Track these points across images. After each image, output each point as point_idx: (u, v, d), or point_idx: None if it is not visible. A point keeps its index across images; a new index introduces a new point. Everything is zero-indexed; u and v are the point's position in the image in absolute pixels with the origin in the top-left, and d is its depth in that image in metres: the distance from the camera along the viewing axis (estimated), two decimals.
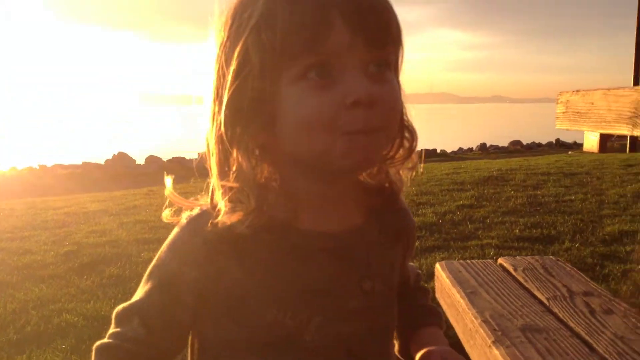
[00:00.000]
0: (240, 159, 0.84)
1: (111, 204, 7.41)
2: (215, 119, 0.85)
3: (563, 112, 2.09)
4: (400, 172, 0.96)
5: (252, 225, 0.83)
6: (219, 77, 0.86)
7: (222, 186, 0.85)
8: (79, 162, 16.23)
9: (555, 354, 1.36)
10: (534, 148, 20.93)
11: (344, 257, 0.91)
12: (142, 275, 3.22)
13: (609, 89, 1.79)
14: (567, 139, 22.65)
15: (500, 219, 5.52)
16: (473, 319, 1.57)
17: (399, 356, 1.08)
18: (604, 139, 15.66)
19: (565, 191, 7.09)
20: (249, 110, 0.83)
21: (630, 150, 14.27)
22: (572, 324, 1.54)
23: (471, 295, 1.74)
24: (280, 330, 0.87)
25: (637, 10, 14.68)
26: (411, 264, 1.14)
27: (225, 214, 0.84)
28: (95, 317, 3.35)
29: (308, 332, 0.88)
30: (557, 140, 22.75)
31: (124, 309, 0.94)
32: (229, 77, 0.83)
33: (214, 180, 0.87)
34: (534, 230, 5.12)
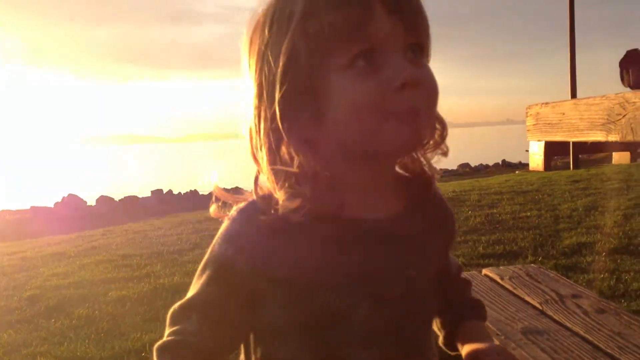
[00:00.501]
0: (292, 150, 0.87)
1: (68, 247, 7.22)
2: (261, 116, 0.89)
3: (534, 125, 2.19)
4: (431, 161, 1.00)
5: (308, 214, 0.86)
6: (264, 75, 0.89)
7: (274, 172, 0.88)
8: (27, 207, 15.75)
9: (560, 352, 1.41)
10: (482, 170, 21.44)
11: (390, 242, 0.94)
12: (113, 315, 3.19)
13: (579, 99, 1.89)
14: (513, 159, 23.35)
15: (462, 238, 5.63)
16: None
17: (443, 347, 1.10)
18: (549, 158, 16.22)
19: (520, 208, 7.30)
20: (300, 102, 0.87)
21: (573, 168, 14.80)
22: (569, 324, 1.60)
23: None
24: (329, 314, 0.90)
25: (569, 34, 15.38)
26: (452, 257, 1.16)
27: (285, 201, 0.86)
28: (71, 359, 3.26)
29: (356, 316, 0.90)
30: (503, 161, 23.42)
31: (181, 307, 0.95)
32: (279, 72, 0.86)
33: (264, 169, 0.90)
34: (497, 247, 5.26)
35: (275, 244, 0.89)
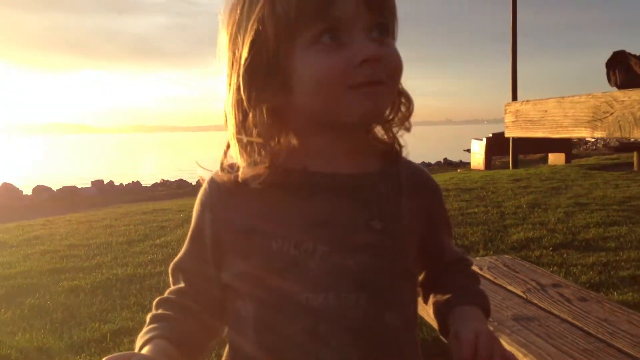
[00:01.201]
0: (256, 120, 0.93)
1: (8, 236, 6.96)
2: (231, 85, 0.95)
3: (513, 122, 2.25)
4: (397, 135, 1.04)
5: (265, 182, 0.93)
6: (234, 48, 0.94)
7: (239, 142, 0.95)
8: None
9: (555, 337, 1.47)
10: (425, 167, 21.81)
11: (352, 195, 0.97)
12: (66, 305, 3.14)
13: (562, 98, 1.97)
14: (453, 158, 23.90)
15: None
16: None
17: (441, 337, 1.10)
18: (489, 157, 16.68)
19: (467, 205, 7.50)
20: (265, 75, 0.92)
21: (513, 167, 15.27)
22: (556, 312, 1.67)
23: None
24: (285, 260, 0.94)
25: (511, 36, 15.86)
26: (458, 249, 1.16)
27: (244, 169, 0.94)
28: (28, 349, 3.15)
29: (313, 261, 0.93)
30: (445, 159, 23.94)
31: (171, 267, 1.06)
32: (246, 46, 0.91)
33: (231, 139, 0.96)
34: None
35: (236, 200, 0.97)
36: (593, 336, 1.47)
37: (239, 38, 0.93)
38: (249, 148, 0.95)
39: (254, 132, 0.94)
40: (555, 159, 16.97)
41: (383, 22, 0.94)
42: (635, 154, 14.01)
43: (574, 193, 8.86)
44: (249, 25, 0.92)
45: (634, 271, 4.45)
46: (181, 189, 16.86)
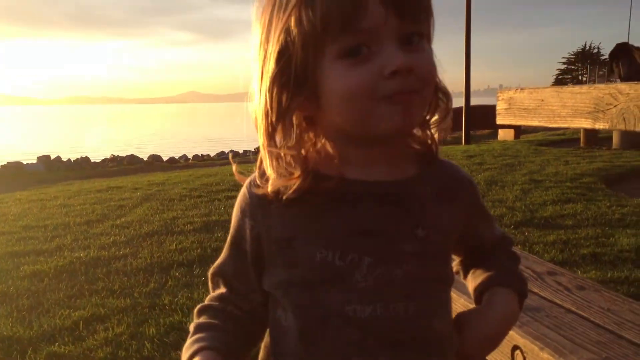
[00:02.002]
0: (285, 130, 0.91)
1: None
2: (261, 93, 0.92)
3: (506, 109, 2.26)
4: (435, 134, 1.02)
5: (299, 190, 0.91)
6: (263, 55, 0.91)
7: (269, 154, 0.92)
8: None
9: (565, 329, 1.49)
10: None
11: (395, 202, 0.95)
12: (31, 290, 3.06)
13: (560, 87, 1.98)
14: None
15: None
16: (467, 304, 1.66)
17: None
18: None
19: None
20: (294, 86, 0.89)
21: (465, 143, 15.54)
22: (558, 301, 1.69)
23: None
24: (330, 270, 0.91)
25: (465, 11, 16.02)
26: (498, 229, 1.13)
27: (274, 180, 0.92)
28: None
29: (359, 272, 0.91)
30: None
31: (211, 272, 1.06)
32: (273, 56, 0.89)
33: (262, 150, 0.94)
34: None
35: (276, 208, 0.94)
36: (602, 327, 1.50)
37: (268, 46, 0.90)
38: (279, 159, 0.92)
39: (284, 143, 0.92)
40: (505, 134, 17.33)
41: (414, 31, 0.89)
42: (581, 130, 14.45)
43: (528, 170, 9.08)
44: (277, 35, 0.88)
45: (594, 249, 4.61)
46: (133, 165, 16.52)
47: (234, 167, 1.04)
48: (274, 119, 0.90)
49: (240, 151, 21.32)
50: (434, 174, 1.01)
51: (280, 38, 0.88)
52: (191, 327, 1.01)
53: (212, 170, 11.54)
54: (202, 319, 1.01)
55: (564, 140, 15.56)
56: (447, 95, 1.00)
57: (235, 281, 1.02)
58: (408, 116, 0.89)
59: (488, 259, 1.11)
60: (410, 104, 0.88)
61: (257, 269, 0.99)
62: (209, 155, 20.49)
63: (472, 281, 1.11)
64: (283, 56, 0.88)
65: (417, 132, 1.01)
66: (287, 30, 0.87)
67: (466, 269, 1.14)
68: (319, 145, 0.97)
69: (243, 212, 0.99)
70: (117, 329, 3.23)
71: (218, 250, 4.69)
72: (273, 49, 0.89)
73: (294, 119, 0.92)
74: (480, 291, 1.07)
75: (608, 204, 6.28)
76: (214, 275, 1.05)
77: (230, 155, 1.21)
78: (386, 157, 0.97)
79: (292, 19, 0.86)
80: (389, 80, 0.86)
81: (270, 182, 0.93)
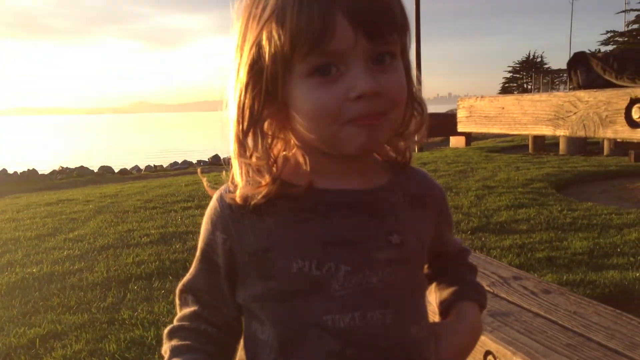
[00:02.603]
0: (255, 139, 0.91)
1: None
2: (234, 103, 0.92)
3: (467, 117, 2.30)
4: (404, 143, 1.02)
5: (267, 195, 0.91)
6: (237, 63, 0.92)
7: (240, 164, 0.93)
8: None
9: (536, 332, 1.52)
10: None
11: (369, 211, 0.95)
12: None
13: (520, 95, 2.02)
14: None
15: None
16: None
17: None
18: None
19: None
20: (265, 95, 0.89)
21: (418, 150, 15.75)
22: (526, 306, 1.72)
23: None
24: (307, 281, 0.91)
25: (415, 22, 16.30)
26: (457, 239, 1.17)
27: (242, 188, 0.92)
28: None
29: (336, 281, 0.91)
30: None
31: (180, 289, 1.02)
32: (246, 66, 0.89)
33: (233, 158, 0.94)
34: None
35: (249, 220, 0.94)
36: (570, 330, 1.53)
37: (242, 54, 0.90)
38: (249, 167, 0.92)
39: (253, 151, 0.92)
40: (457, 141, 17.66)
41: (387, 51, 0.88)
42: (530, 136, 14.86)
43: (481, 176, 9.28)
44: (249, 46, 0.89)
45: (549, 252, 4.73)
46: (83, 177, 16.09)
47: (204, 181, 1.03)
48: (244, 127, 0.91)
49: (194, 161, 21.09)
50: (405, 182, 1.02)
51: (252, 50, 0.88)
52: (165, 351, 0.97)
53: (166, 181, 11.38)
54: (176, 342, 0.97)
55: (513, 146, 15.96)
56: (422, 106, 1.00)
57: (207, 296, 0.99)
58: (373, 137, 0.89)
59: (451, 271, 1.14)
60: (376, 126, 0.88)
61: (230, 283, 0.98)
62: (161, 165, 20.14)
63: (438, 293, 1.13)
64: (254, 67, 0.88)
65: (391, 141, 1.01)
66: (258, 44, 0.87)
67: (429, 280, 1.15)
68: (289, 153, 0.96)
69: (214, 225, 0.97)
70: (75, 346, 3.13)
71: (177, 262, 4.66)
72: (245, 58, 0.89)
73: (266, 127, 0.93)
74: (447, 305, 1.10)
75: (559, 209, 6.46)
76: (182, 291, 1.02)
77: (198, 170, 1.21)
78: (357, 168, 0.97)
79: (264, 34, 0.86)
80: (354, 103, 0.85)
81: (238, 190, 0.92)
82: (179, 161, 21.08)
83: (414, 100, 0.99)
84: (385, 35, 0.87)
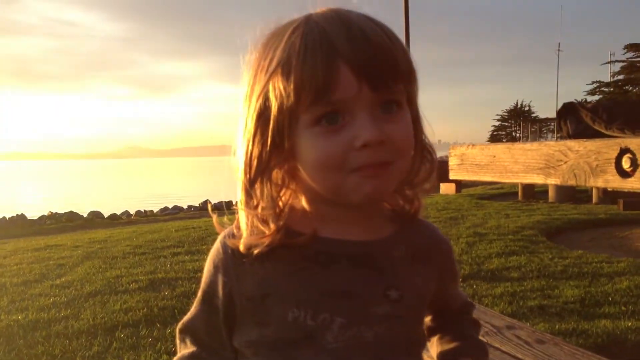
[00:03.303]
0: (262, 188, 0.92)
1: None
2: (242, 151, 0.93)
3: (458, 165, 2.32)
4: (416, 192, 1.01)
5: (271, 245, 0.90)
6: (245, 112, 0.93)
7: (246, 213, 0.93)
8: None
9: None
10: None
11: (368, 264, 0.94)
12: None
13: (511, 144, 2.05)
14: None
15: None
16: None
17: None
18: None
19: None
20: (272, 145, 0.90)
21: None
22: (520, 356, 1.71)
23: None
24: (301, 330, 0.90)
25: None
26: (462, 292, 1.16)
27: (246, 238, 0.92)
28: None
29: (330, 333, 0.90)
30: None
31: (180, 328, 1.03)
32: (254, 116, 0.90)
33: (239, 205, 0.94)
34: None
35: (250, 265, 0.93)
36: None
37: (250, 104, 0.92)
38: (255, 217, 0.92)
39: (260, 202, 0.92)
40: (447, 188, 17.66)
41: (390, 100, 0.89)
42: (519, 184, 14.95)
43: (471, 223, 9.28)
44: (257, 96, 0.90)
45: (541, 300, 4.70)
46: (72, 222, 15.95)
47: (214, 218, 1.02)
48: (252, 176, 0.91)
49: (185, 206, 21.00)
50: (410, 234, 1.00)
51: (260, 100, 0.89)
52: None
53: (156, 226, 11.30)
54: None
55: (503, 194, 16.02)
56: (431, 154, 0.99)
57: (206, 338, 1.00)
58: (379, 187, 0.88)
59: (454, 326, 1.13)
60: (381, 175, 0.87)
61: (228, 326, 0.97)
62: (152, 210, 20.06)
63: (439, 347, 1.12)
64: (261, 117, 0.89)
65: (401, 189, 0.99)
66: (265, 95, 0.88)
67: (431, 332, 1.14)
68: (296, 201, 0.96)
69: (216, 267, 0.97)
70: None
71: (165, 309, 4.58)
72: (253, 109, 0.90)
73: (274, 176, 0.93)
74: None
75: (550, 256, 6.45)
76: (181, 331, 1.02)
77: (209, 207, 1.17)
78: (363, 218, 0.96)
79: (270, 85, 0.87)
80: (359, 152, 0.85)
81: (242, 239, 0.92)
82: (170, 206, 21.00)
83: (424, 148, 0.98)
84: (390, 85, 0.87)
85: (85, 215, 17.89)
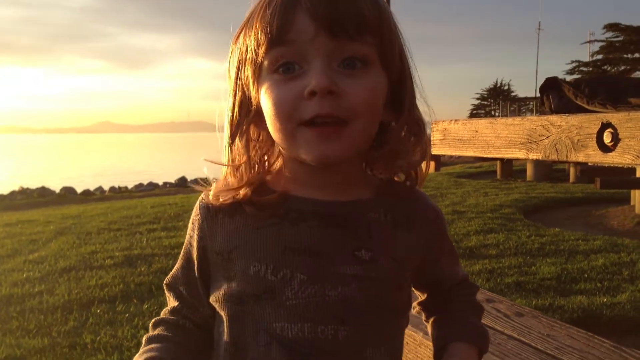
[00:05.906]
0: (238, 146, 0.94)
1: None
2: (227, 113, 0.96)
3: (440, 139, 2.29)
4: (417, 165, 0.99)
5: (240, 197, 0.93)
6: (228, 76, 0.97)
7: (228, 166, 0.96)
8: None
9: (510, 355, 1.49)
10: None
11: (340, 224, 0.92)
12: None
13: (494, 119, 2.03)
14: None
15: None
16: (413, 333, 1.65)
17: None
18: None
19: None
20: (241, 100, 0.93)
21: None
22: (500, 328, 1.70)
23: None
24: (262, 285, 0.90)
25: None
26: (461, 271, 1.10)
27: (215, 187, 0.96)
28: None
29: (290, 289, 0.89)
30: None
31: (165, 284, 1.05)
32: (231, 75, 0.94)
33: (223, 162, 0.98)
34: None
35: (221, 220, 0.96)
36: (543, 352, 1.52)
37: (229, 67, 0.95)
38: (235, 172, 0.95)
39: (237, 157, 0.95)
40: None
41: (357, 55, 0.85)
42: (498, 162, 15.07)
43: (450, 201, 9.35)
44: (234, 51, 0.93)
45: (518, 277, 4.75)
46: (44, 198, 15.72)
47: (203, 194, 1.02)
48: (230, 132, 0.94)
49: (160, 183, 20.83)
50: (393, 200, 0.97)
51: (234, 58, 0.93)
52: (144, 339, 1.01)
53: (131, 203, 11.19)
54: (155, 332, 1.00)
55: (481, 172, 16.17)
56: (419, 126, 0.96)
57: (185, 293, 1.01)
58: (330, 149, 0.85)
59: (451, 307, 1.07)
60: (335, 138, 0.84)
61: (203, 281, 0.99)
62: (126, 187, 19.84)
63: (435, 330, 1.07)
64: (238, 80, 0.92)
65: (389, 160, 0.96)
66: (238, 49, 0.92)
67: (428, 313, 1.11)
68: (277, 163, 0.98)
69: (193, 223, 1.01)
70: None
71: (142, 285, 4.55)
72: (233, 68, 0.94)
73: (252, 131, 0.95)
74: (441, 345, 1.03)
75: (527, 234, 6.52)
76: (166, 285, 1.05)
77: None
78: (338, 180, 0.94)
79: (240, 39, 0.92)
80: (308, 101, 0.83)
81: (213, 186, 0.96)
82: (145, 183, 20.80)
83: (412, 121, 0.95)
84: (351, 34, 0.84)
85: (57, 191, 17.63)
